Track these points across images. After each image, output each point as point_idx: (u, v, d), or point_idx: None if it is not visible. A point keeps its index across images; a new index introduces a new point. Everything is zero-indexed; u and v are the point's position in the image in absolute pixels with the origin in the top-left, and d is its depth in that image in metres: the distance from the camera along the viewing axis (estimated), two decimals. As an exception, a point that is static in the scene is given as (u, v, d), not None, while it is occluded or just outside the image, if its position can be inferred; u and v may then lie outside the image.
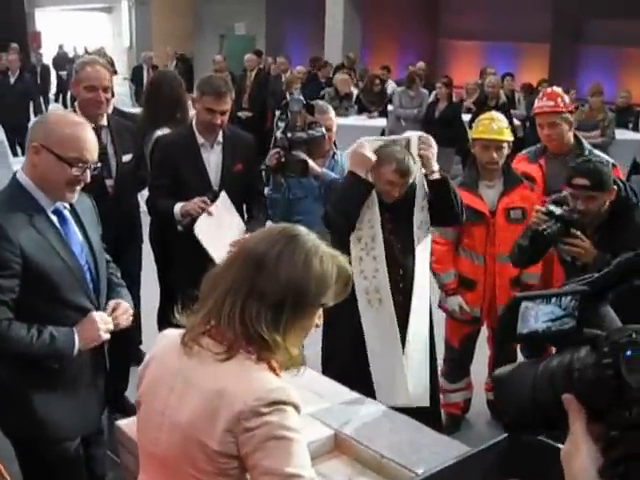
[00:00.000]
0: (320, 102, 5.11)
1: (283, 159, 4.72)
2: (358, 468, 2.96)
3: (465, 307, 4.94)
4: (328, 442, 3.06)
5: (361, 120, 12.13)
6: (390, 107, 12.62)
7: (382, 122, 12.28)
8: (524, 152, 5.48)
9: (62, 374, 3.02)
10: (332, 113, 5.05)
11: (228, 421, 1.91)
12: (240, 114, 12.03)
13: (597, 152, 5.27)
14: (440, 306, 5.13)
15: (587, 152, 5.10)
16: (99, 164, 3.11)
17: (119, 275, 3.40)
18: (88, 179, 3.00)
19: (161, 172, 4.82)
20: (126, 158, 4.89)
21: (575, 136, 5.23)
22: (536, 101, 5.44)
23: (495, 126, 4.81)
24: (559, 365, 1.17)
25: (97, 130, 4.73)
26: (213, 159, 4.79)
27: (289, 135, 4.71)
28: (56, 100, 17.53)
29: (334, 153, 5.04)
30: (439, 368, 4.98)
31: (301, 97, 4.86)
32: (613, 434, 1.07)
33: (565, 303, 1.21)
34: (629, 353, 1.04)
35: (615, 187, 4.11)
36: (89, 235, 3.14)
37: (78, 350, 2.95)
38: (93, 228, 3.20)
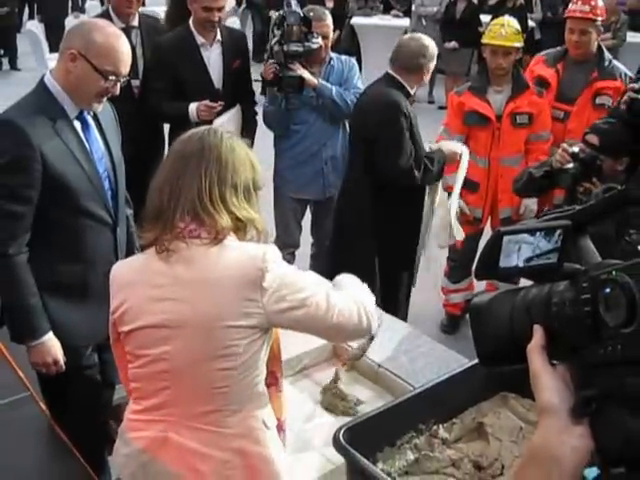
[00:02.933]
0: (317, 8, 4.69)
1: (280, 75, 4.39)
2: (354, 376, 2.84)
3: (465, 209, 4.80)
4: (326, 349, 2.93)
5: (384, 20, 11.62)
6: (414, 7, 12.06)
7: (405, 22, 11.74)
8: (543, 53, 5.11)
9: (75, 285, 2.89)
10: (329, 20, 4.63)
11: (250, 291, 1.93)
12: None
13: (617, 63, 4.89)
14: None
15: (607, 63, 4.76)
16: (128, 77, 2.88)
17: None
18: (117, 92, 2.82)
19: (160, 74, 4.53)
20: None
21: (598, 45, 4.83)
22: (570, 3, 4.92)
23: (504, 32, 4.55)
24: (537, 296, 1.07)
25: (127, 30, 4.54)
26: (213, 58, 4.56)
27: (285, 49, 4.36)
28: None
29: (330, 59, 4.68)
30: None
31: (298, 9, 4.44)
32: (586, 372, 0.98)
33: (549, 237, 1.11)
34: (607, 290, 0.94)
35: (627, 158, 3.73)
36: (110, 143, 2.97)
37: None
38: (114, 137, 3.03)
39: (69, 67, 2.73)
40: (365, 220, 4.16)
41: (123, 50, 2.77)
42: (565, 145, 3.74)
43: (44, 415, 3.26)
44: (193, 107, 4.40)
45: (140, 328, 2.03)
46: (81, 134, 2.84)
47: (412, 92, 4.13)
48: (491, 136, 4.64)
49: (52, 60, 8.89)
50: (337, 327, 1.99)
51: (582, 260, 1.09)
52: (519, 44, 4.57)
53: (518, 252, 1.09)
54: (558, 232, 1.10)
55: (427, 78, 4.17)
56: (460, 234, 4.34)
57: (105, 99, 2.84)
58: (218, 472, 2.01)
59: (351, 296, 2.06)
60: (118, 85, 2.79)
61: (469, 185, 4.75)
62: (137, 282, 2.06)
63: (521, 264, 1.09)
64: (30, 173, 2.67)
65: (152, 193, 2.05)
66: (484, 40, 4.66)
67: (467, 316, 5.22)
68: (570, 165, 3.61)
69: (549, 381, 1.00)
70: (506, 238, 1.07)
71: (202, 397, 2.00)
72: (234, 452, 2.01)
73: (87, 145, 2.85)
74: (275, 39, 4.44)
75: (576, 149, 3.61)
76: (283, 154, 4.76)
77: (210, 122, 4.39)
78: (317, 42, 4.42)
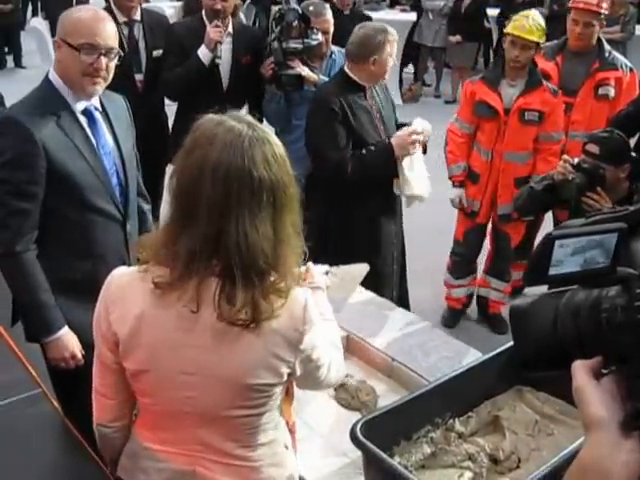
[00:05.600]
0: (317, 2, 4.64)
1: (278, 73, 4.40)
2: (370, 371, 2.84)
3: (464, 200, 4.82)
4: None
5: (391, 14, 11.62)
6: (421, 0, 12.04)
7: (412, 16, 11.74)
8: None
9: (85, 282, 2.82)
10: (329, 14, 4.60)
11: (285, 352, 1.79)
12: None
13: (616, 54, 4.91)
14: None
15: (607, 54, 4.78)
16: (121, 53, 2.81)
17: (144, 191, 3.21)
18: (103, 66, 2.71)
19: (174, 53, 4.61)
20: (157, 53, 4.73)
21: (597, 36, 4.85)
22: None
23: (527, 24, 4.46)
24: (586, 300, 1.02)
25: (130, 24, 4.58)
26: (223, 49, 4.58)
27: (284, 46, 4.36)
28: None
29: (332, 53, 4.68)
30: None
31: (296, 6, 4.45)
32: (637, 383, 0.94)
33: (603, 241, 1.05)
34: None
35: (628, 165, 3.77)
36: (119, 139, 2.93)
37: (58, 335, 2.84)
38: (125, 132, 2.99)
39: (58, 56, 2.73)
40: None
41: (94, 22, 2.69)
42: (566, 156, 3.74)
43: (57, 411, 3.28)
44: (202, 49, 4.47)
45: (158, 370, 1.83)
46: (87, 128, 2.82)
47: (367, 85, 4.03)
48: (497, 129, 4.60)
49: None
50: (318, 385, 2.03)
51: (635, 264, 1.05)
52: (539, 40, 4.48)
53: (570, 256, 1.05)
54: (612, 235, 1.06)
55: (380, 69, 3.95)
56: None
57: (100, 81, 2.74)
58: None
59: (337, 362, 2.02)
60: (102, 60, 2.69)
61: (471, 176, 4.76)
62: (153, 320, 1.79)
63: (573, 269, 1.05)
64: (34, 169, 2.66)
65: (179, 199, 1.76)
66: (506, 29, 4.59)
67: (468, 311, 5.25)
68: (573, 176, 3.60)
69: (595, 395, 0.98)
70: (558, 242, 1.03)
71: (230, 437, 1.90)
72: None
73: (93, 139, 2.83)
74: (273, 36, 4.44)
75: (577, 160, 3.60)
76: (285, 148, 4.75)
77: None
78: (317, 38, 4.42)
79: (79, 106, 2.79)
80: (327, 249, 3.99)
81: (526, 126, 4.56)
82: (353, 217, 4.10)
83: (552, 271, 1.04)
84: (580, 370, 1.00)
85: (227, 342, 1.75)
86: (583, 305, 1.02)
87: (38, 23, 11.10)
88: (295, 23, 4.37)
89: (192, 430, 1.88)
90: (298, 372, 1.85)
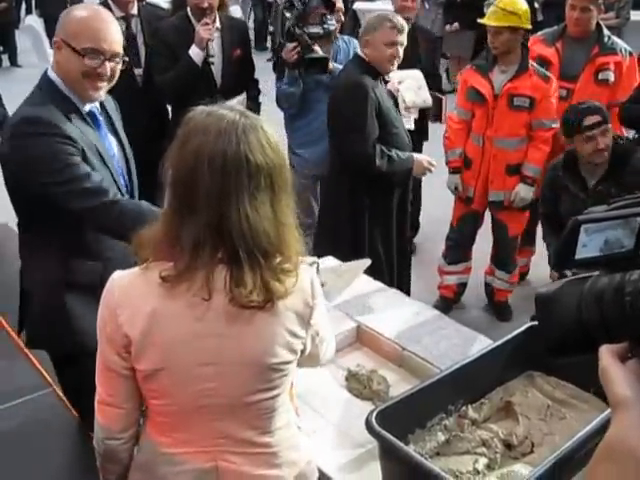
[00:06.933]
0: None
1: (304, 57, 4.44)
2: (380, 361, 2.86)
3: (459, 186, 4.87)
4: (351, 334, 2.96)
5: (387, 4, 11.58)
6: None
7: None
8: (540, 34, 5.12)
9: (94, 284, 2.66)
10: None
11: (298, 328, 1.85)
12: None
13: (616, 39, 4.93)
14: None
15: (606, 39, 4.79)
16: (125, 57, 2.72)
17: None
18: (107, 72, 2.62)
19: (163, 54, 4.62)
20: None
21: (596, 22, 4.86)
22: None
23: (497, 11, 4.51)
24: (609, 285, 1.03)
25: (127, 19, 4.58)
26: (212, 45, 4.59)
27: (306, 31, 4.42)
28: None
29: (336, 38, 4.78)
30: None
31: None
32: None
33: (627, 225, 1.06)
34: None
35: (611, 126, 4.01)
36: (122, 140, 2.88)
37: None
38: (123, 132, 2.94)
39: (57, 57, 2.64)
40: (342, 208, 4.22)
41: (100, 26, 2.60)
42: None
43: (68, 411, 3.30)
44: (193, 48, 4.48)
45: (173, 367, 1.81)
46: (95, 130, 2.75)
47: (383, 71, 4.12)
48: (486, 114, 4.64)
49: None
50: (316, 362, 2.09)
51: None
52: (511, 24, 4.47)
53: (595, 241, 1.06)
54: (636, 219, 1.06)
55: (398, 55, 4.08)
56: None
57: (103, 85, 2.67)
58: None
59: (331, 342, 2.12)
60: (107, 65, 2.61)
61: (466, 162, 4.82)
62: (165, 314, 1.77)
63: (598, 253, 1.06)
64: (76, 161, 2.59)
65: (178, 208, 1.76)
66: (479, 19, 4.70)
67: (475, 299, 5.25)
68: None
69: (620, 374, 0.99)
70: (583, 227, 1.05)
71: (250, 425, 1.90)
72: (284, 465, 1.96)
73: (102, 141, 2.77)
74: (291, 22, 4.48)
75: None
76: (299, 131, 4.84)
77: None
78: (333, 23, 4.53)
79: (82, 106, 2.71)
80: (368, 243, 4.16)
81: (516, 112, 4.58)
82: (387, 205, 4.23)
83: (578, 255, 1.06)
84: (606, 353, 1.01)
85: (243, 325, 1.77)
86: (607, 289, 1.02)
87: (33, 21, 11.11)
88: (318, 9, 4.46)
89: (212, 424, 1.88)
90: (308, 348, 1.91)
